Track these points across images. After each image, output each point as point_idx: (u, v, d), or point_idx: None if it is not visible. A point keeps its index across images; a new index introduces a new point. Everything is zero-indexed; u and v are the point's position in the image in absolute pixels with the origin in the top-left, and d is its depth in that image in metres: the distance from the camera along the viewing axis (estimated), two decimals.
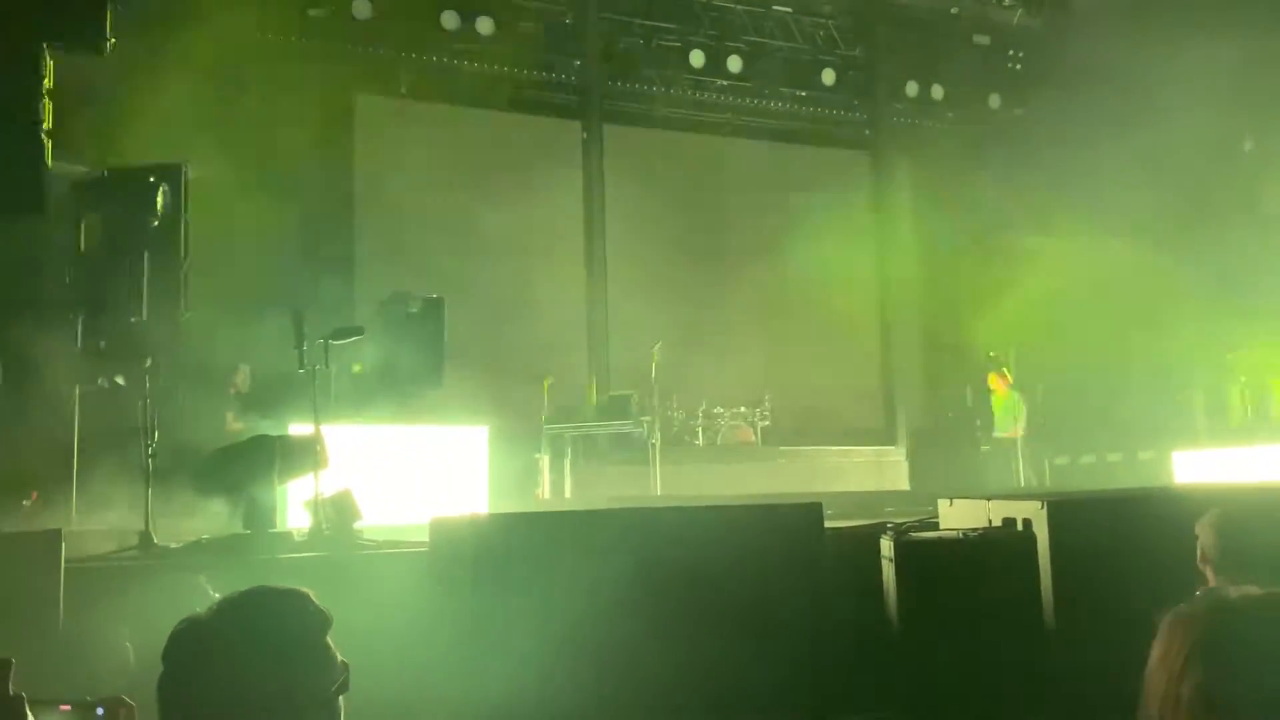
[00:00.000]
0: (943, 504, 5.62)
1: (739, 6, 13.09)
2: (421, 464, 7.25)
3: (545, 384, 10.06)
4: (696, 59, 12.90)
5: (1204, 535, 3.48)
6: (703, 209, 12.97)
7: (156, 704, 1.72)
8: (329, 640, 1.81)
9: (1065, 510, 4.90)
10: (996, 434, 12.09)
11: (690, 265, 13.01)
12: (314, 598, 1.84)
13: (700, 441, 12.17)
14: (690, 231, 13.02)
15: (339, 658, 1.82)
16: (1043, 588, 4.78)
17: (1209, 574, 3.48)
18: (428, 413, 7.50)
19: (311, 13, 11.28)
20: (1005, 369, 11.78)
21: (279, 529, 5.49)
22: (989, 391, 12.23)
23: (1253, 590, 1.89)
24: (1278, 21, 10.96)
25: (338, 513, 5.58)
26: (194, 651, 1.74)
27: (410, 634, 4.03)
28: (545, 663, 3.71)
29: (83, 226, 6.60)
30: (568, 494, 10.00)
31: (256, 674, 1.71)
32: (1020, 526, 4.91)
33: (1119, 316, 11.94)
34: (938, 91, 13.94)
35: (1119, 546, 4.72)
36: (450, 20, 12.05)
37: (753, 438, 12.23)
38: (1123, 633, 3.61)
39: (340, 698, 1.81)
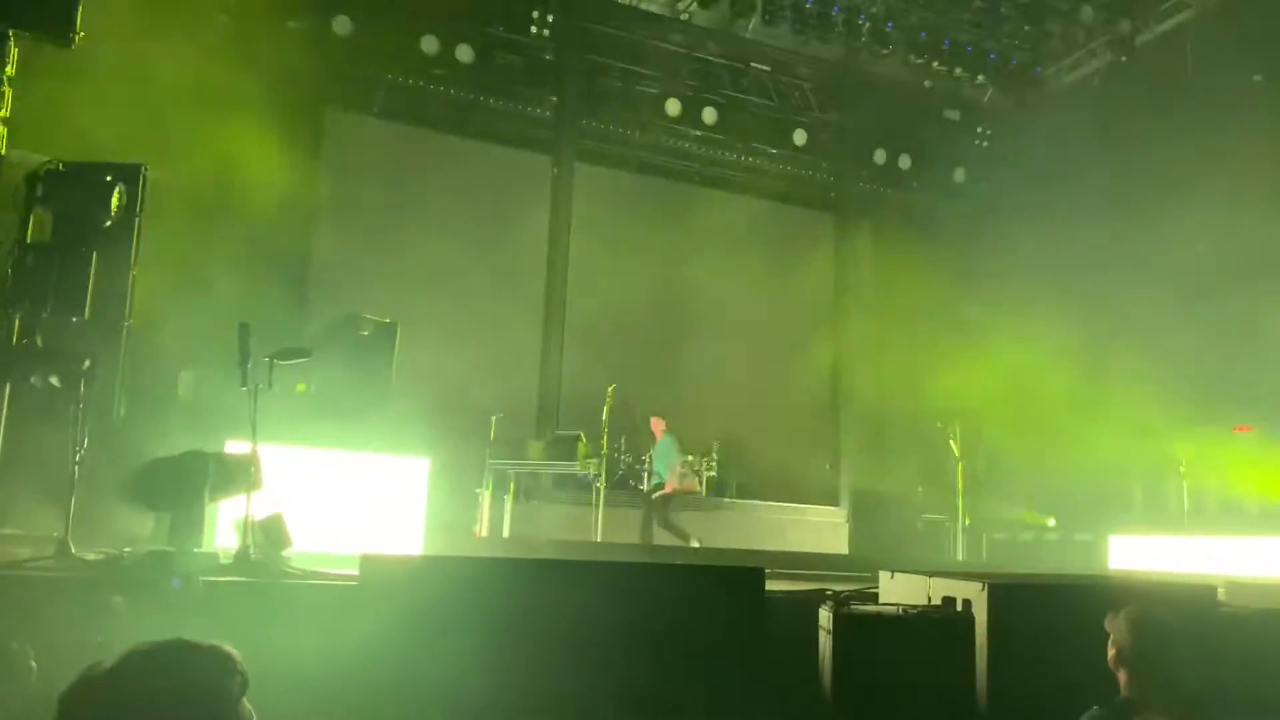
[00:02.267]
0: (883, 576, 5.59)
1: (719, 60, 13.22)
2: (359, 491, 7.08)
3: (493, 420, 9.93)
4: (673, 107, 12.98)
5: (1118, 634, 3.45)
6: (666, 255, 12.97)
7: None
8: (245, 707, 1.68)
9: (1005, 594, 4.89)
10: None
11: (649, 310, 12.98)
12: (236, 658, 1.70)
13: (645, 487, 12.09)
14: (652, 276, 13.01)
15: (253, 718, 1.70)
16: (978, 670, 4.76)
17: (1122, 679, 3.45)
18: (370, 439, 7.33)
19: (290, 24, 11.18)
20: (951, 439, 11.84)
21: (204, 548, 5.31)
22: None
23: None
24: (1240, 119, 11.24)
25: (266, 537, 5.42)
26: (91, 707, 1.60)
27: (331, 668, 3.89)
28: (472, 703, 3.59)
29: (32, 218, 6.41)
30: (506, 533, 9.83)
31: None
32: (960, 606, 4.89)
33: (1062, 397, 12.08)
34: (905, 160, 14.15)
35: (1056, 633, 4.71)
36: (430, 45, 12.03)
37: (698, 487, 12.17)
38: (1052, 717, 3.58)
39: None
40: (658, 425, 11.34)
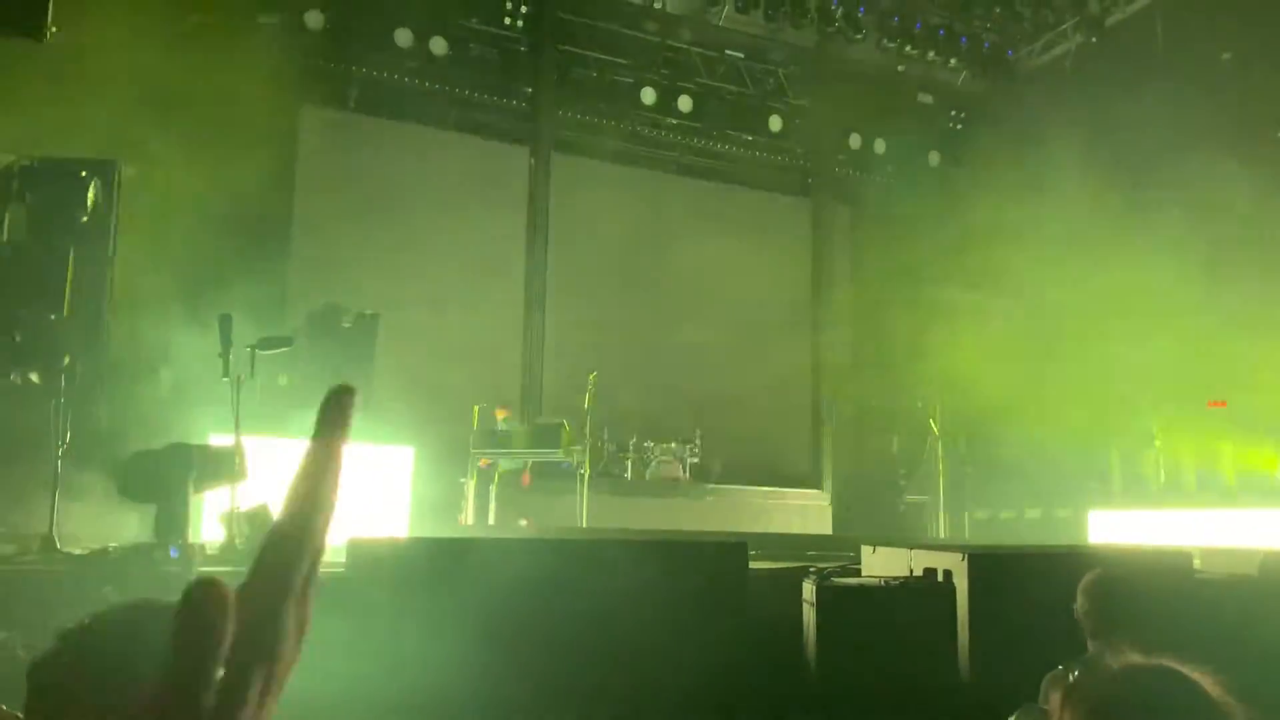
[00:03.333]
0: (865, 550, 5.67)
1: (693, 49, 13.25)
2: (343, 482, 7.09)
3: (475, 410, 9.94)
4: (648, 96, 13.00)
5: (1079, 598, 3.57)
6: (645, 243, 13.01)
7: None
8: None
9: (985, 563, 4.98)
10: None
11: (629, 298, 13.04)
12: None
13: (629, 475, 12.13)
14: (631, 265, 13.06)
15: None
16: (960, 638, 4.84)
17: (1086, 636, 3.55)
18: (353, 430, 7.34)
19: (262, 19, 11.13)
20: (932, 419, 11.95)
21: (191, 540, 5.33)
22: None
23: (1135, 659, 1.92)
24: (1210, 98, 11.39)
25: (252, 527, 5.44)
26: (61, 669, 1.61)
27: (320, 655, 3.92)
28: (463, 687, 3.63)
29: (7, 215, 6.39)
30: (491, 521, 9.86)
31: (110, 701, 1.58)
32: (941, 577, 4.97)
33: (1041, 375, 12.20)
34: (880, 145, 14.22)
35: (1035, 602, 4.79)
36: (404, 38, 12.00)
37: (681, 473, 12.23)
38: (1034, 686, 3.66)
39: None
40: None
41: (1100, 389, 11.60)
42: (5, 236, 6.45)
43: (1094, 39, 13.04)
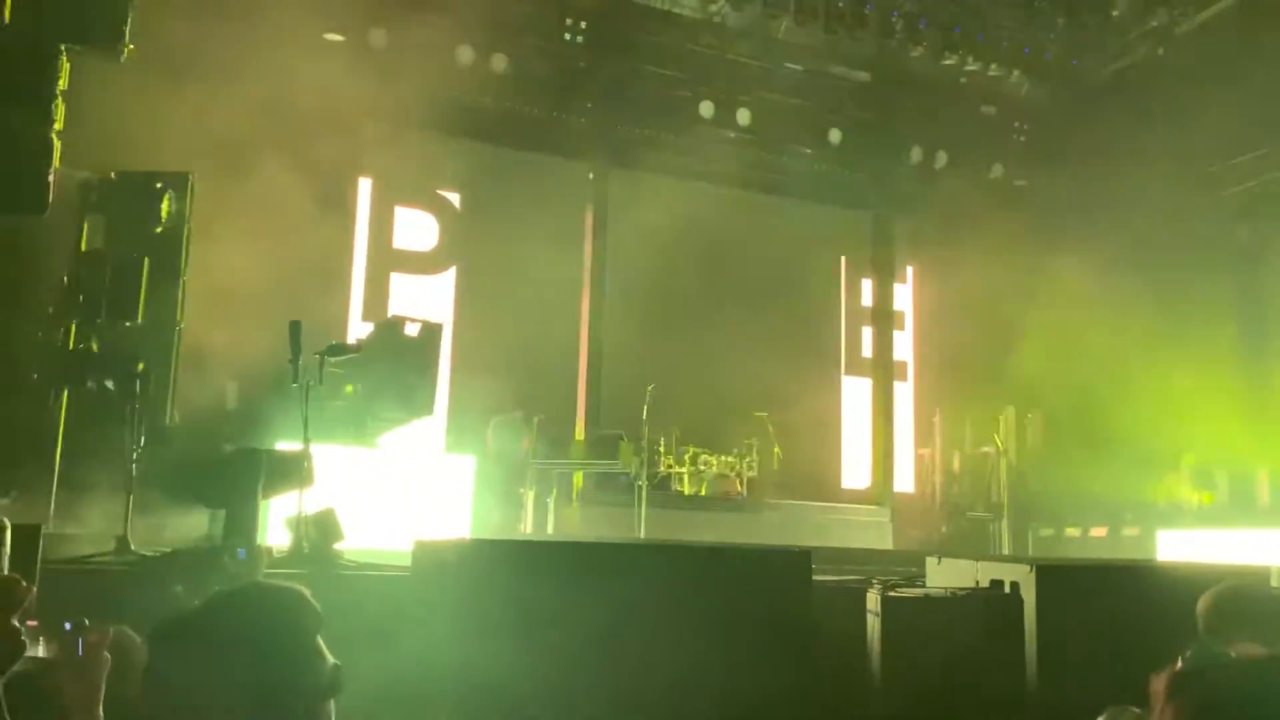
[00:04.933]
0: (930, 562, 5.59)
1: (752, 61, 13.24)
2: (405, 490, 7.18)
3: (535, 420, 10.00)
4: (706, 110, 13.01)
5: (1203, 601, 3.48)
6: (705, 257, 13.01)
7: (140, 693, 1.68)
8: (319, 641, 1.76)
9: (1054, 575, 4.88)
10: None
11: (688, 312, 13.03)
12: (308, 596, 1.79)
13: (686, 488, 12.11)
14: (689, 278, 13.06)
15: (329, 659, 1.77)
16: (1027, 651, 4.74)
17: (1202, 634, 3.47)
18: (416, 439, 7.44)
19: (327, 36, 11.36)
20: (996, 435, 11.78)
21: (259, 544, 5.42)
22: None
23: (1253, 649, 1.87)
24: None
25: (319, 532, 5.52)
26: (176, 640, 1.69)
27: (388, 656, 3.96)
28: (523, 689, 3.64)
29: (85, 227, 6.58)
30: (550, 531, 9.91)
31: (235, 667, 1.66)
32: (1008, 589, 4.88)
33: (1109, 392, 11.97)
34: (941, 158, 14.07)
35: (1105, 615, 4.69)
36: (465, 55, 12.15)
37: (739, 488, 12.17)
38: (1104, 702, 3.58)
39: (331, 700, 1.76)
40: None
41: (1172, 406, 11.35)
42: (83, 248, 6.65)
43: (1161, 50, 12.80)
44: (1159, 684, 1.95)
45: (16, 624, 1.53)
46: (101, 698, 2.01)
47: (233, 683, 1.64)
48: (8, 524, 1.61)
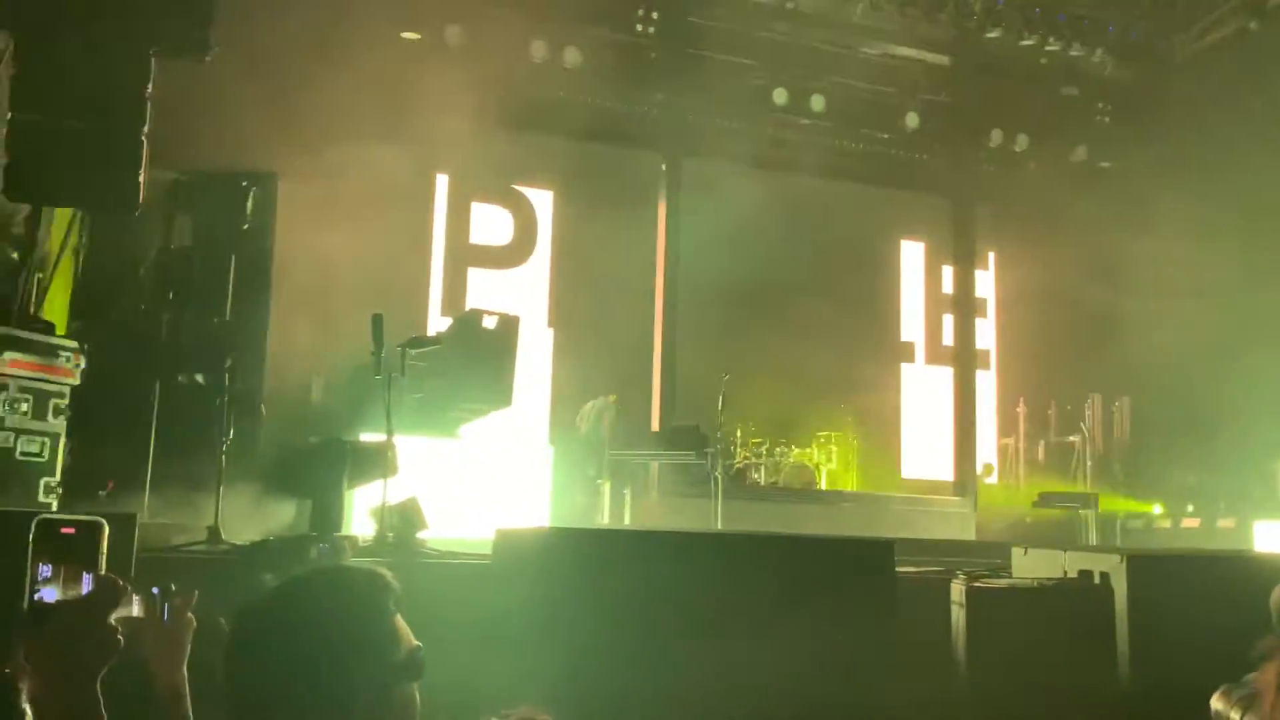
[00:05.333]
0: (1016, 552, 5.48)
1: (825, 46, 13.09)
2: (485, 481, 7.27)
3: (613, 400, 10.00)
4: (780, 97, 12.89)
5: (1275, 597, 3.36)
6: (779, 246, 12.90)
7: (223, 672, 1.72)
8: (398, 622, 1.78)
9: (1145, 565, 4.75)
10: None
11: (764, 301, 12.94)
12: (388, 577, 1.81)
13: (762, 480, 12.04)
14: (766, 267, 12.97)
15: (410, 641, 1.79)
16: (1118, 643, 4.63)
17: None
18: (496, 430, 7.52)
19: (405, 35, 11.52)
20: (1082, 424, 11.50)
21: (345, 533, 5.53)
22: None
23: None
24: None
25: (403, 521, 5.60)
26: (255, 620, 1.73)
27: (467, 641, 4.01)
28: (603, 676, 3.66)
29: (174, 226, 6.78)
30: (626, 521, 9.94)
31: (310, 645, 1.69)
32: (1097, 579, 4.77)
33: (1202, 379, 11.60)
34: (1022, 141, 13.76)
35: (1199, 607, 4.55)
36: (538, 50, 12.22)
37: (817, 479, 12.07)
38: (1197, 694, 3.47)
39: (413, 683, 1.77)
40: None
41: (1271, 391, 10.95)
42: (173, 246, 6.85)
43: (1253, 24, 12.33)
44: (1270, 674, 1.88)
45: (114, 623, 1.58)
46: (186, 660, 2.07)
47: (307, 658, 1.67)
48: (105, 523, 1.65)
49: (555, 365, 10.82)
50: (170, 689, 2.06)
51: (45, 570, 1.55)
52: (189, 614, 2.09)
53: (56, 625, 1.53)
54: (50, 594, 1.55)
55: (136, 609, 1.95)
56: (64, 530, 1.59)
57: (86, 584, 1.58)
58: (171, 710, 2.06)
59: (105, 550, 1.63)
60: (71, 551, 1.59)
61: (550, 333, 12.23)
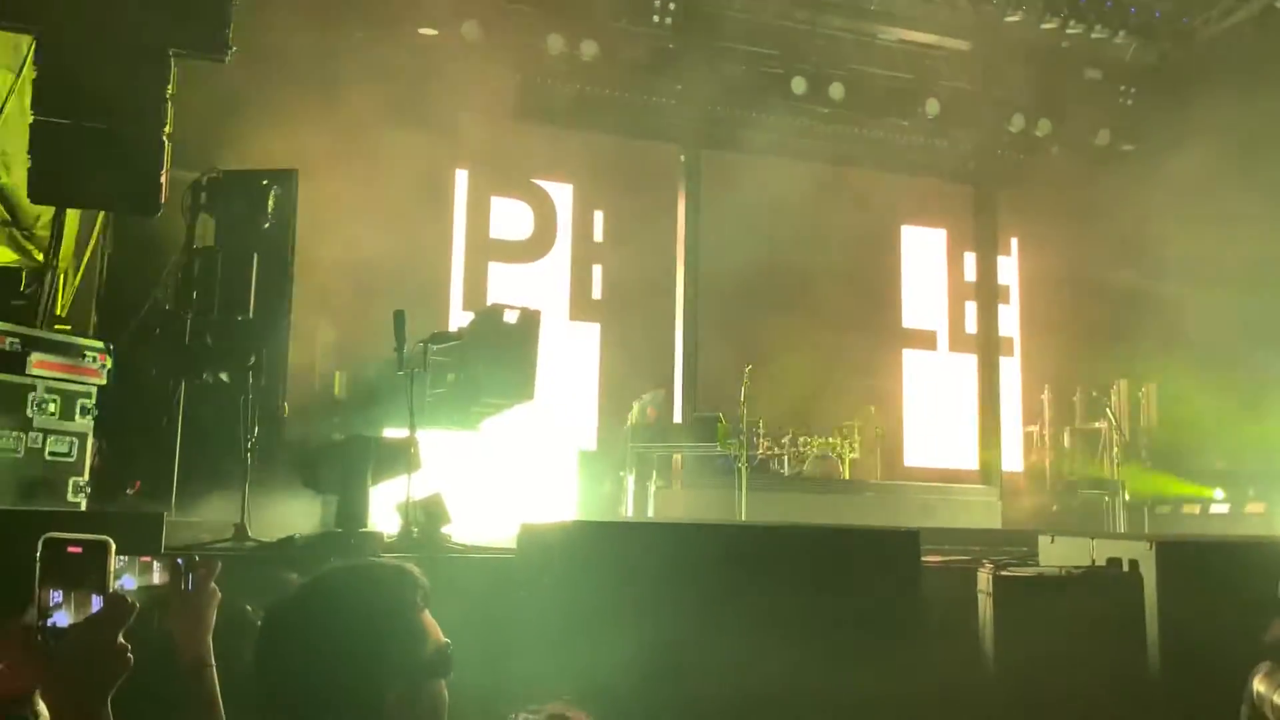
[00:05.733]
0: (1043, 540, 5.44)
1: (844, 34, 13.01)
2: (511, 475, 7.29)
3: (634, 406, 10.04)
4: (799, 86, 12.82)
5: None
6: (800, 235, 12.86)
7: (254, 665, 1.73)
8: (425, 617, 1.78)
9: (1175, 552, 4.71)
10: None
11: (785, 292, 12.90)
12: (416, 573, 1.81)
13: (786, 470, 12.00)
14: (787, 257, 12.92)
15: (439, 637, 1.79)
16: (1148, 631, 4.59)
17: None
18: (520, 426, 7.53)
19: (422, 31, 11.53)
20: (1109, 409, 11.40)
21: (369, 529, 5.55)
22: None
23: None
24: None
25: (428, 516, 5.62)
26: (284, 614, 1.74)
27: (493, 636, 4.02)
28: (627, 668, 3.65)
29: (196, 225, 6.82)
30: (650, 514, 9.94)
31: (337, 639, 1.70)
32: (1126, 567, 4.73)
33: (1229, 363, 11.48)
34: (1044, 126, 13.62)
35: (1230, 594, 4.49)
36: (555, 44, 12.20)
37: (841, 469, 12.02)
38: (1229, 682, 3.43)
39: (442, 680, 1.78)
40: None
41: None
42: (195, 245, 6.89)
43: (1279, 1, 12.16)
44: None
45: (124, 641, 1.58)
46: (210, 631, 2.07)
47: (335, 654, 1.68)
48: (111, 543, 1.65)
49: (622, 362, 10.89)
50: (194, 660, 2.06)
51: (56, 596, 1.55)
52: (212, 585, 2.09)
53: (69, 649, 1.53)
54: (63, 618, 1.55)
55: (158, 578, 1.95)
56: (71, 550, 1.59)
57: (95, 604, 1.58)
58: (195, 682, 2.06)
59: (113, 568, 1.63)
60: (80, 571, 1.59)
61: (614, 330, 12.27)
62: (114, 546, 1.64)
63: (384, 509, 6.08)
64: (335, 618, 1.71)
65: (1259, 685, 2.72)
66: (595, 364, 12.04)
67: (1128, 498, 11.29)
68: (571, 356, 11.54)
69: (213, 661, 2.10)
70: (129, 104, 6.38)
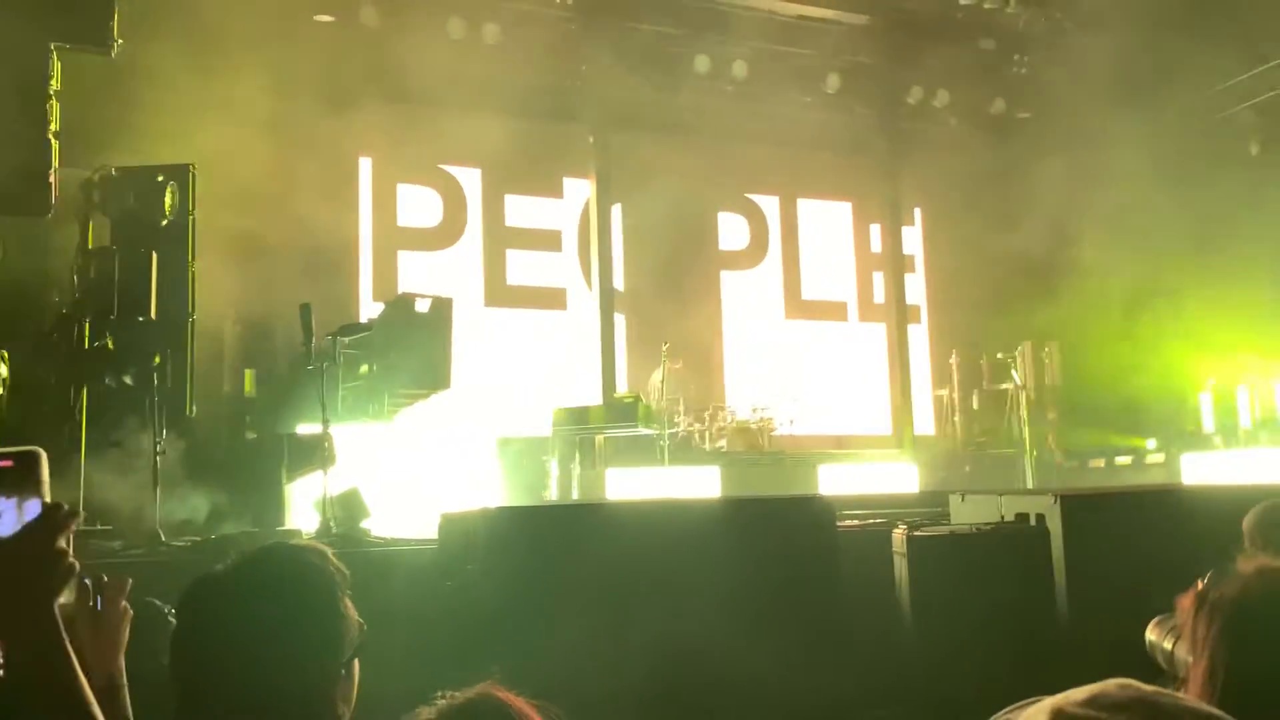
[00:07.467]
0: (954, 499, 5.60)
1: (745, 13, 13.08)
2: (431, 466, 7.23)
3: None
4: (702, 64, 12.88)
5: (1250, 518, 3.44)
6: (710, 214, 12.95)
7: (169, 656, 1.71)
8: (345, 599, 1.78)
9: (1078, 505, 4.88)
10: None
11: (697, 271, 13.00)
12: (332, 556, 1.81)
13: (707, 446, 12.11)
14: (696, 237, 13.01)
15: (355, 618, 1.79)
16: (1056, 582, 4.76)
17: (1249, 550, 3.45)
18: (438, 415, 7.48)
19: (318, 18, 11.29)
20: (1014, 371, 11.74)
21: (287, 526, 5.48)
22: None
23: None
24: None
25: (346, 511, 5.57)
26: (201, 598, 1.73)
27: (417, 627, 4.00)
28: (553, 651, 3.68)
29: (90, 226, 6.60)
30: (575, 496, 9.96)
31: (257, 621, 1.68)
32: (1033, 521, 4.89)
33: (1126, 320, 11.92)
34: (942, 96, 13.90)
35: (1132, 542, 4.69)
36: (456, 28, 12.05)
37: (760, 443, 12.17)
38: (1135, 628, 3.59)
39: (355, 660, 1.78)
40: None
41: (1194, 329, 11.27)
42: (90, 246, 6.68)
43: None
44: (1187, 601, 1.95)
45: (64, 544, 1.57)
46: (123, 650, 2.03)
47: (254, 636, 1.67)
48: (42, 452, 1.66)
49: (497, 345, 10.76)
50: (106, 681, 2.02)
51: None
52: (124, 603, 2.04)
53: (10, 554, 1.53)
54: (4, 527, 1.57)
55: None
56: (2, 465, 1.61)
57: (30, 511, 1.59)
58: (108, 703, 2.02)
59: (47, 479, 1.64)
60: (14, 483, 1.60)
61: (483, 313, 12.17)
62: (44, 456, 1.65)
63: (301, 506, 6.00)
64: (261, 593, 1.70)
65: (1150, 634, 2.86)
66: (513, 350, 11.97)
67: (1034, 454, 11.65)
68: (488, 343, 11.46)
69: (125, 682, 2.06)
70: (10, 101, 6.14)
